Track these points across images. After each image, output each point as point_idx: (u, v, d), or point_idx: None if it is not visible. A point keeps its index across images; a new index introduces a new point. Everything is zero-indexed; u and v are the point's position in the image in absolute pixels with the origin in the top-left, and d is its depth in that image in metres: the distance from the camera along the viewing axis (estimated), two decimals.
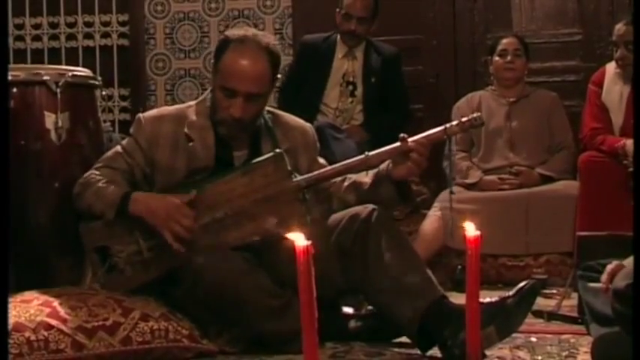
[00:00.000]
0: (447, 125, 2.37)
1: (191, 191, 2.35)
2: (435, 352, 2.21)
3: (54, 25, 5.03)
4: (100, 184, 2.41)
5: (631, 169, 3.33)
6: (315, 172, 2.45)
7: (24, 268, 2.45)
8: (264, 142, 2.49)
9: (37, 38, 5.03)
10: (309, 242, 1.35)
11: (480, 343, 1.74)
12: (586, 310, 2.31)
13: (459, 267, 3.43)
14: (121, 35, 4.99)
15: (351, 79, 4.04)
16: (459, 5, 4.69)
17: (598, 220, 3.31)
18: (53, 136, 2.55)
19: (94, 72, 2.91)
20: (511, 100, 3.92)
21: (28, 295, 2.23)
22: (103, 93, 2.83)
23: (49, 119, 2.55)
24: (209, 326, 2.33)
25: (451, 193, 3.06)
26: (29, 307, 2.14)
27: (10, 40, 4.94)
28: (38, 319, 2.10)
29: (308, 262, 1.35)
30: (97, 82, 2.76)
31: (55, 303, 2.18)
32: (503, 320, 2.13)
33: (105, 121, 3.27)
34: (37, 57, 4.93)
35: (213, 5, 4.91)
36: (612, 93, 3.60)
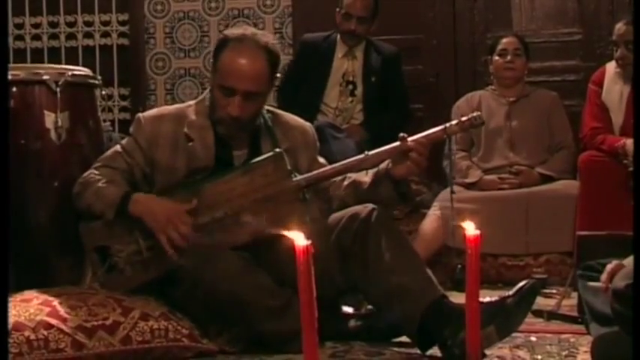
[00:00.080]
0: (447, 125, 2.37)
1: (192, 197, 2.35)
2: (434, 351, 2.21)
3: (54, 25, 5.03)
4: (99, 184, 2.41)
5: (631, 169, 3.32)
6: (315, 172, 2.45)
7: (24, 268, 2.45)
8: (263, 142, 2.49)
9: (36, 37, 5.03)
10: (309, 242, 1.35)
11: (480, 343, 1.74)
12: (586, 310, 2.31)
13: (459, 266, 3.43)
14: (121, 35, 4.99)
15: (350, 79, 4.04)
16: (459, 5, 4.69)
17: (598, 220, 3.31)
18: (53, 135, 2.55)
19: (94, 71, 2.91)
20: (511, 99, 3.92)
21: (28, 294, 2.23)
22: (103, 92, 2.83)
23: (49, 119, 2.55)
24: (209, 326, 2.33)
25: (452, 192, 3.05)
26: (29, 307, 2.14)
27: (10, 39, 4.93)
28: (38, 318, 2.10)
29: (308, 261, 1.35)
30: (96, 82, 2.76)
31: (55, 302, 2.18)
32: (503, 320, 2.13)
33: (105, 121, 3.26)
34: (37, 56, 4.93)
35: (213, 5, 4.91)
36: (612, 92, 3.60)
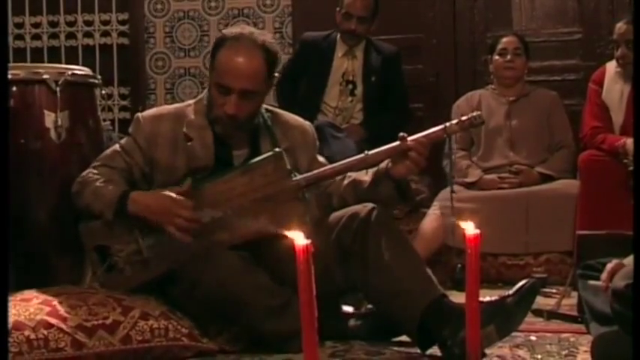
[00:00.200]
0: (447, 124, 2.37)
1: (185, 182, 2.35)
2: (434, 350, 2.21)
3: (54, 24, 5.03)
4: (98, 184, 2.40)
5: (631, 168, 3.32)
6: (315, 172, 2.44)
7: (24, 267, 2.45)
8: (263, 141, 2.49)
9: (36, 37, 5.04)
10: (309, 241, 1.35)
11: (480, 342, 1.74)
12: (586, 309, 2.30)
13: (459, 266, 3.43)
14: (121, 34, 4.99)
15: (350, 78, 4.04)
16: (459, 4, 4.69)
17: (598, 219, 3.31)
18: (53, 134, 2.55)
19: (94, 71, 2.91)
20: (511, 99, 3.92)
21: (28, 293, 2.23)
22: (103, 92, 2.83)
23: (49, 118, 2.55)
24: (209, 325, 2.33)
25: (452, 192, 3.05)
26: (29, 306, 2.14)
27: (10, 38, 4.94)
28: (38, 317, 2.10)
29: (308, 260, 1.35)
30: (96, 81, 2.76)
31: (55, 302, 2.18)
32: (503, 319, 2.13)
33: (105, 120, 3.26)
34: (37, 56, 4.93)
35: (213, 4, 4.92)
36: (613, 92, 3.60)
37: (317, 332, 1.37)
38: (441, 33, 4.70)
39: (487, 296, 2.20)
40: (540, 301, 2.88)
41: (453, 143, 3.56)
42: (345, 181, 2.48)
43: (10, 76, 2.46)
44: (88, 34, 4.99)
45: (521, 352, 2.21)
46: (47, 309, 2.14)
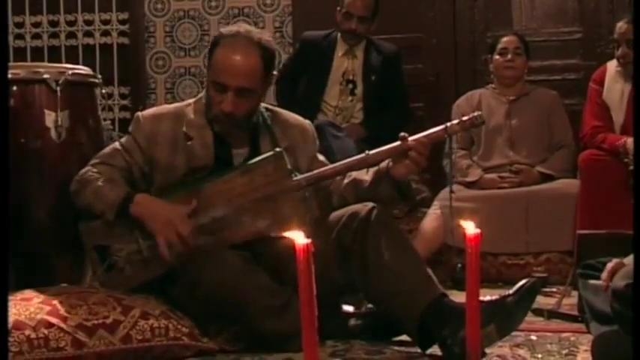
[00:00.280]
0: (448, 124, 2.37)
1: (192, 197, 2.35)
2: (435, 350, 2.21)
3: (54, 24, 5.03)
4: (99, 183, 2.40)
5: (632, 168, 3.32)
6: (316, 171, 2.44)
7: (24, 266, 2.45)
8: (263, 140, 2.49)
9: (36, 36, 5.04)
10: (309, 240, 1.35)
11: (480, 342, 1.74)
12: (586, 309, 2.30)
13: (459, 265, 3.43)
14: (121, 33, 4.99)
15: (351, 78, 4.04)
16: (459, 4, 4.69)
17: (598, 219, 3.31)
18: (53, 134, 2.55)
19: (94, 70, 2.91)
20: (511, 98, 3.92)
21: (28, 293, 2.23)
22: (103, 91, 2.83)
23: (49, 117, 2.55)
24: (209, 325, 2.33)
25: (451, 192, 3.05)
26: (29, 305, 2.14)
27: (10, 38, 4.94)
28: (38, 317, 2.10)
29: (308, 260, 1.35)
30: (97, 81, 2.76)
31: (55, 301, 2.18)
32: (504, 319, 2.13)
33: (105, 120, 3.26)
34: (37, 55, 4.93)
35: (213, 3, 4.92)
36: (613, 91, 3.60)
37: (317, 331, 1.37)
38: (441, 32, 4.70)
39: (487, 296, 2.20)
40: (541, 301, 2.88)
41: (454, 143, 3.56)
42: (346, 180, 2.48)
43: (10, 76, 2.46)
44: (88, 34, 5.00)
45: (521, 352, 2.21)
46: (47, 308, 2.14)
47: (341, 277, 2.34)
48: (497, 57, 3.92)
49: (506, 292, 2.19)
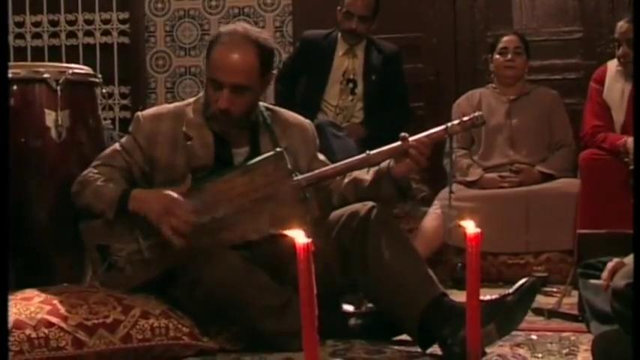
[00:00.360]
0: (449, 124, 2.37)
1: (184, 183, 2.35)
2: (435, 349, 2.21)
3: (54, 23, 5.03)
4: (98, 183, 2.40)
5: (632, 167, 3.32)
6: (316, 171, 2.44)
7: (24, 266, 2.45)
8: (263, 140, 2.49)
9: (37, 36, 5.04)
10: (309, 239, 1.35)
11: (481, 341, 1.74)
12: (586, 308, 2.30)
13: (460, 265, 3.43)
14: (122, 33, 4.99)
15: (351, 77, 4.03)
16: (459, 3, 4.69)
17: (598, 218, 3.31)
18: (53, 133, 2.55)
19: (95, 70, 2.91)
20: (511, 97, 3.91)
21: (29, 292, 2.23)
22: (104, 91, 2.83)
23: (50, 117, 2.55)
24: (209, 324, 2.33)
25: (450, 192, 3.05)
26: (30, 305, 2.14)
27: (11, 37, 4.94)
28: (39, 316, 2.10)
29: (308, 259, 1.35)
30: (97, 80, 2.76)
31: (56, 301, 2.18)
32: (504, 318, 2.13)
33: (105, 119, 3.26)
34: (38, 55, 4.94)
35: (213, 3, 4.92)
36: (614, 90, 3.60)
37: (317, 331, 1.37)
38: (442, 32, 4.70)
39: (487, 295, 2.20)
40: (541, 300, 2.89)
41: (454, 142, 3.56)
42: (346, 180, 2.48)
43: (10, 75, 2.46)
44: (88, 33, 5.00)
45: (521, 351, 2.21)
46: (48, 308, 2.14)
47: (341, 277, 2.34)
48: (497, 56, 3.92)
49: (506, 292, 2.19)
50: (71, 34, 5.01)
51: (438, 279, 2.29)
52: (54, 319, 2.11)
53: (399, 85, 4.10)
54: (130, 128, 2.54)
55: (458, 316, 2.05)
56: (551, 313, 2.75)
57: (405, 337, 2.34)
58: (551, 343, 2.31)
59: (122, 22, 4.99)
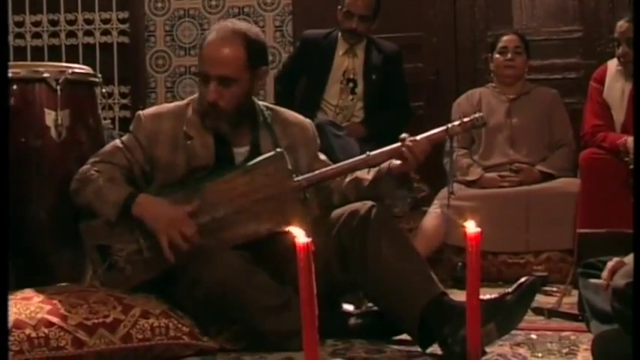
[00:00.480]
0: (449, 125, 2.38)
1: (194, 200, 2.35)
2: (435, 349, 2.21)
3: (54, 23, 5.03)
4: (100, 182, 2.39)
5: (632, 167, 3.32)
6: (317, 172, 2.44)
7: (24, 265, 2.45)
8: (263, 139, 2.49)
9: (37, 36, 5.04)
10: (310, 239, 1.35)
11: (481, 340, 1.74)
12: (586, 308, 2.30)
13: (460, 264, 3.43)
14: (121, 32, 4.99)
15: (351, 77, 4.03)
16: (459, 3, 4.69)
17: (598, 218, 3.31)
18: (53, 133, 2.55)
19: (94, 69, 2.91)
20: (511, 97, 3.91)
21: (29, 292, 2.23)
22: (103, 90, 2.83)
23: (49, 116, 2.55)
24: (209, 324, 2.33)
25: (450, 192, 3.05)
26: (29, 304, 2.14)
27: (10, 37, 4.94)
28: (39, 316, 2.10)
29: (308, 258, 1.35)
30: (97, 80, 2.76)
31: (56, 300, 2.18)
32: (504, 317, 2.13)
33: (105, 119, 3.26)
34: (37, 54, 4.94)
35: (213, 2, 4.92)
36: (614, 90, 3.60)
37: (317, 330, 1.37)
38: (442, 31, 4.70)
39: (487, 294, 2.20)
40: (541, 300, 2.89)
41: (454, 142, 3.56)
42: (347, 179, 2.48)
43: (10, 75, 2.46)
44: (88, 33, 5.00)
45: (521, 351, 2.21)
46: (48, 307, 2.14)
47: (341, 276, 2.34)
48: (497, 56, 3.92)
49: (506, 291, 2.19)
50: (71, 34, 5.01)
51: (438, 278, 2.29)
52: (54, 319, 2.11)
53: (399, 85, 4.09)
54: (131, 127, 2.54)
55: (458, 316, 2.05)
56: (551, 313, 2.75)
57: (404, 336, 2.34)
58: (551, 342, 2.31)
59: (122, 21, 4.99)
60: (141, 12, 4.96)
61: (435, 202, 3.69)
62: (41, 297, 2.20)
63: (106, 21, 4.99)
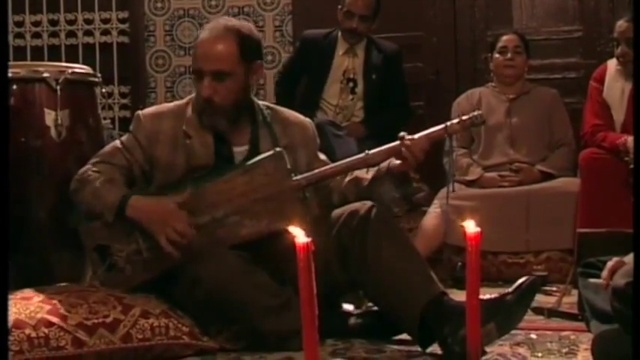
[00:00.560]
0: (448, 123, 2.37)
1: (186, 190, 2.35)
2: (435, 348, 2.21)
3: (54, 23, 5.03)
4: (97, 184, 2.39)
5: (632, 166, 3.32)
6: (316, 171, 2.44)
7: (24, 265, 2.45)
8: (263, 138, 2.49)
9: (36, 35, 5.04)
10: (310, 239, 1.35)
11: (480, 340, 1.74)
12: (586, 307, 2.30)
13: (460, 264, 3.43)
14: (121, 32, 4.99)
15: (351, 76, 4.03)
16: (459, 2, 4.69)
17: (598, 217, 3.31)
18: (53, 133, 2.55)
19: (94, 69, 2.91)
20: (511, 96, 3.91)
21: (29, 292, 2.23)
22: (103, 90, 2.83)
23: (49, 116, 2.55)
24: (209, 324, 2.33)
25: (449, 192, 3.05)
26: (29, 304, 2.14)
27: (10, 37, 4.94)
28: (38, 316, 2.10)
29: (308, 258, 1.35)
30: (96, 80, 2.76)
31: (56, 300, 2.18)
32: (504, 317, 2.13)
33: (105, 119, 3.26)
34: (37, 54, 4.94)
35: (213, 2, 4.91)
36: (613, 90, 3.60)
37: (317, 330, 1.37)
38: (442, 31, 4.70)
39: (487, 294, 2.20)
40: (541, 299, 2.88)
41: (454, 141, 3.56)
42: (347, 178, 2.48)
43: (10, 75, 2.46)
44: (88, 33, 5.00)
45: (521, 350, 2.21)
46: (48, 307, 2.14)
47: (341, 276, 2.34)
48: (497, 55, 3.92)
49: (506, 291, 2.19)
50: (71, 34, 5.01)
51: (437, 278, 2.28)
52: (54, 319, 2.11)
53: (399, 85, 4.10)
54: (131, 127, 2.54)
55: (458, 315, 2.05)
56: (551, 312, 2.75)
57: (404, 336, 2.34)
58: (550, 342, 2.31)
59: (122, 21, 4.99)
60: (141, 12, 4.96)
61: (435, 201, 3.69)
62: (41, 297, 2.20)
63: (105, 21, 4.99)
